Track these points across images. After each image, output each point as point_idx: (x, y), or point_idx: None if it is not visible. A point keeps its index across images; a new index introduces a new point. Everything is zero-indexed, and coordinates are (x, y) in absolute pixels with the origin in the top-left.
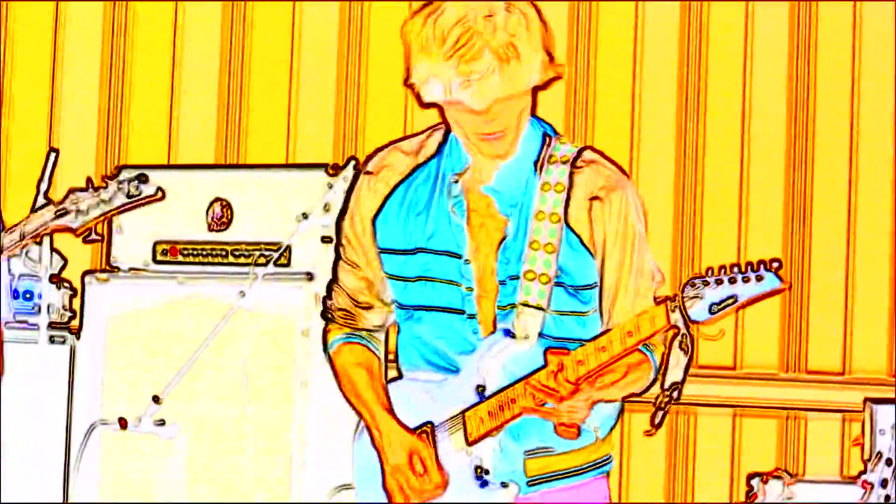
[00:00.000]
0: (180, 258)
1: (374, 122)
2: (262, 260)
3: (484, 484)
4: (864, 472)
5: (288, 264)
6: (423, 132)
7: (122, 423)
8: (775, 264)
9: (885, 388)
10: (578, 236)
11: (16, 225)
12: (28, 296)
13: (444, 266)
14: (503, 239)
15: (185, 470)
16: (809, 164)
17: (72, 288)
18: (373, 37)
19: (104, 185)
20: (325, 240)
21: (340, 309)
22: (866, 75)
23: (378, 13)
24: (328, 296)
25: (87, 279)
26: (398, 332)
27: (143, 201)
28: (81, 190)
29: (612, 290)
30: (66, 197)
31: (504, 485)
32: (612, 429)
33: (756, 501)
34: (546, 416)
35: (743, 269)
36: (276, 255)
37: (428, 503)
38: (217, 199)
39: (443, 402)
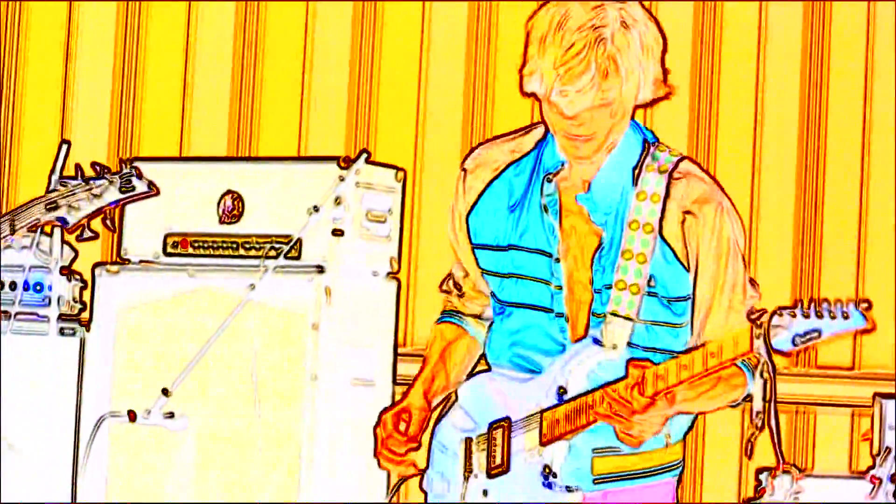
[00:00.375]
0: (191, 250)
1: (386, 115)
2: (273, 253)
3: (549, 486)
4: (873, 467)
5: (298, 257)
6: (521, 129)
7: (132, 415)
8: (864, 305)
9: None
10: (672, 249)
11: (5, 215)
12: (38, 288)
13: (535, 264)
14: (598, 247)
15: (194, 462)
16: (821, 162)
17: (82, 280)
18: (386, 31)
19: (95, 175)
20: (336, 233)
21: (445, 291)
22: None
23: (391, 8)
24: (445, 278)
25: (97, 271)
26: (489, 327)
27: (135, 197)
28: (71, 178)
29: (704, 304)
30: (54, 188)
31: (569, 489)
32: (685, 435)
33: (765, 496)
34: (617, 425)
35: (832, 305)
36: (286, 247)
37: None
38: (228, 192)
39: (520, 400)
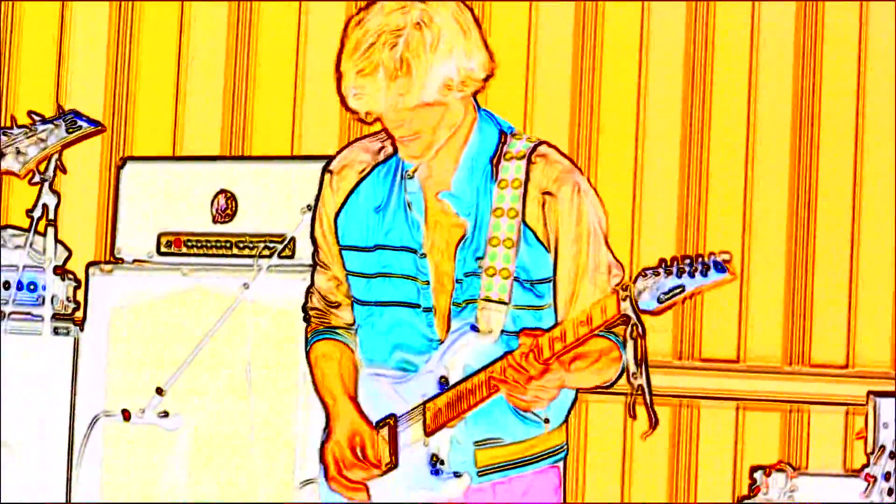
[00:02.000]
0: (184, 250)
1: None
2: (267, 252)
3: (437, 473)
4: (867, 465)
5: (292, 256)
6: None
7: (126, 414)
8: (725, 256)
9: (889, 381)
10: (533, 231)
11: None
12: (32, 287)
13: (402, 261)
14: (461, 238)
15: (188, 461)
16: (814, 160)
17: (76, 279)
18: None
19: (32, 121)
20: None
21: (314, 309)
22: (871, 77)
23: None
24: (306, 300)
25: (91, 270)
26: (356, 331)
27: (83, 134)
28: (8, 129)
29: (567, 284)
30: None
31: (457, 474)
32: (565, 419)
33: (759, 494)
34: (514, 392)
35: (693, 261)
36: (280, 247)
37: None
38: (222, 191)
39: (407, 395)
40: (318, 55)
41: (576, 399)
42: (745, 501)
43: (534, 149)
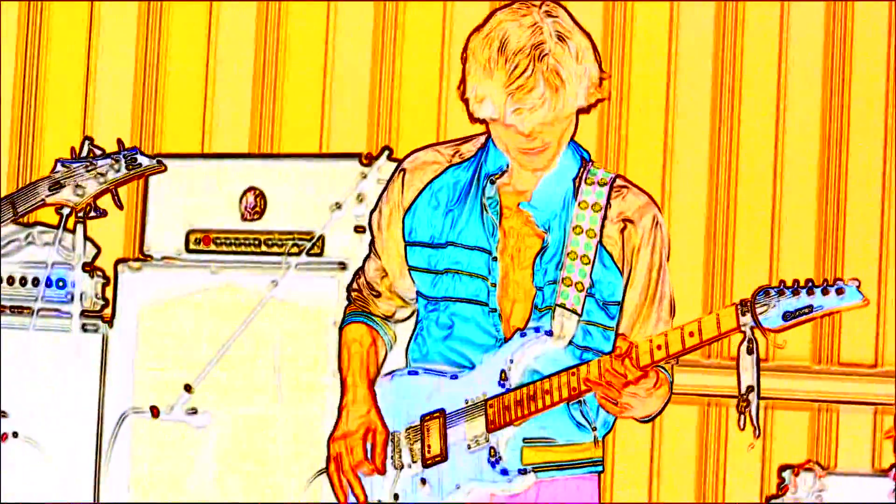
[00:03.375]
0: (213, 247)
1: (408, 112)
2: (295, 250)
3: (505, 472)
4: None
5: (321, 254)
6: (461, 138)
7: (154, 411)
8: (856, 282)
9: None
10: (610, 254)
11: (5, 197)
12: (61, 284)
13: (473, 260)
14: (541, 249)
15: (216, 458)
16: (843, 160)
17: (104, 276)
18: (408, 28)
19: (95, 156)
20: (359, 230)
21: (355, 290)
22: None
23: (413, 6)
24: (352, 278)
25: (119, 267)
26: (416, 324)
27: (143, 172)
28: (70, 161)
29: (630, 310)
30: (54, 168)
31: (523, 472)
32: (604, 436)
33: (787, 494)
34: (609, 393)
35: (818, 284)
36: (309, 244)
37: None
38: (250, 189)
39: (461, 390)
40: (347, 53)
41: (615, 421)
42: (774, 501)
43: (614, 179)
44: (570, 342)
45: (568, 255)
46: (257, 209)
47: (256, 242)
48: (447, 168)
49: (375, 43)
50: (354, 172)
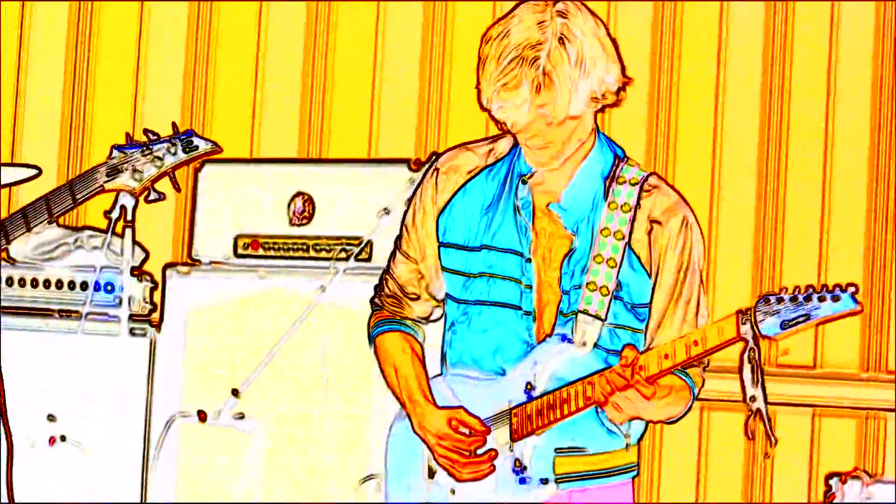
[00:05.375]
0: (261, 252)
1: (456, 117)
2: (343, 255)
3: (523, 480)
4: None
5: (369, 259)
6: (494, 136)
7: (202, 416)
8: (852, 288)
9: None
10: (638, 256)
11: (62, 186)
12: (109, 288)
13: (507, 263)
14: (569, 252)
15: (263, 464)
16: (891, 162)
17: (153, 281)
18: (457, 33)
19: (148, 139)
20: None
21: (389, 296)
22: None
23: (462, 10)
24: (379, 284)
25: (168, 272)
26: (449, 329)
27: (200, 155)
28: (126, 146)
29: (658, 313)
30: (110, 155)
31: (543, 481)
32: (639, 440)
33: (834, 502)
34: (619, 402)
35: (818, 290)
36: (357, 249)
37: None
38: (299, 194)
39: (488, 399)
40: (395, 57)
41: (647, 425)
42: None
43: (646, 178)
44: (598, 346)
45: (594, 258)
46: (306, 214)
47: (305, 247)
48: (482, 169)
49: (424, 49)
50: (403, 178)
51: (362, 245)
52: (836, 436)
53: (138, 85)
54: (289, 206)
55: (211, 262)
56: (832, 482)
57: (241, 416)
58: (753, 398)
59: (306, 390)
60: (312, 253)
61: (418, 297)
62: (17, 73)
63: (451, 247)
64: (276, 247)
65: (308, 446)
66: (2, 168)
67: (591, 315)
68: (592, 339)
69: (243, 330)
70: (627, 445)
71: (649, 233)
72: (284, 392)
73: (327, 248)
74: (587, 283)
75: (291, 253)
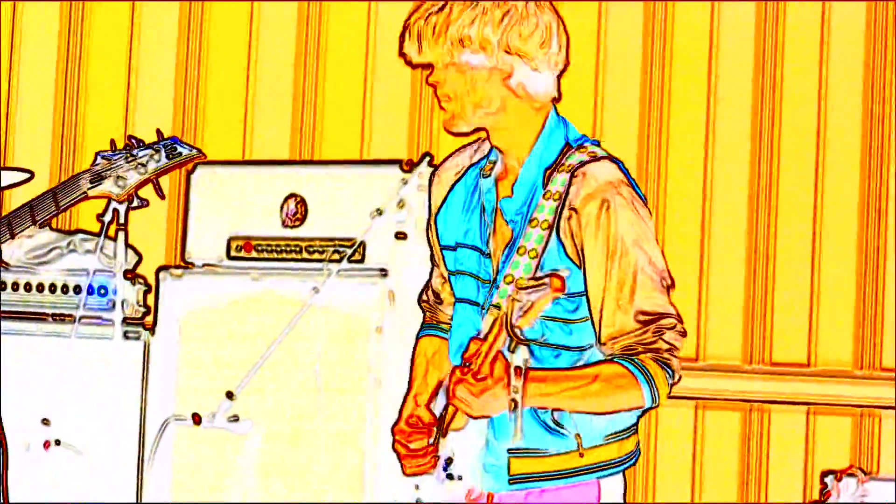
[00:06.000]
0: (254, 254)
1: None
2: (336, 256)
3: (448, 475)
4: None
5: (362, 260)
6: (485, 136)
7: (196, 418)
8: (563, 272)
9: None
10: (563, 245)
11: (45, 193)
12: (102, 291)
13: (470, 260)
14: (505, 246)
15: (258, 466)
16: (885, 161)
17: (146, 284)
18: None
19: (132, 145)
20: (399, 236)
21: (425, 301)
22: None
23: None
24: (422, 289)
25: (161, 275)
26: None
27: (184, 161)
28: (110, 153)
29: (595, 301)
30: (94, 161)
31: (457, 477)
32: (618, 437)
33: (829, 500)
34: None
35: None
36: (350, 251)
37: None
38: (292, 195)
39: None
40: (387, 58)
41: (639, 418)
42: None
43: (583, 164)
44: (529, 340)
45: (518, 250)
46: (298, 216)
47: (297, 249)
48: (468, 168)
49: None
50: (395, 179)
51: (355, 246)
52: (831, 433)
53: (130, 87)
54: (281, 207)
55: (204, 265)
56: (827, 480)
57: (236, 419)
58: (515, 388)
59: (300, 393)
60: (305, 255)
61: (443, 302)
62: (9, 74)
63: (445, 248)
64: (269, 249)
65: (302, 448)
66: None
67: (493, 305)
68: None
69: (237, 332)
70: (579, 445)
71: (568, 220)
72: (278, 394)
73: (320, 249)
74: (505, 276)
75: (284, 255)
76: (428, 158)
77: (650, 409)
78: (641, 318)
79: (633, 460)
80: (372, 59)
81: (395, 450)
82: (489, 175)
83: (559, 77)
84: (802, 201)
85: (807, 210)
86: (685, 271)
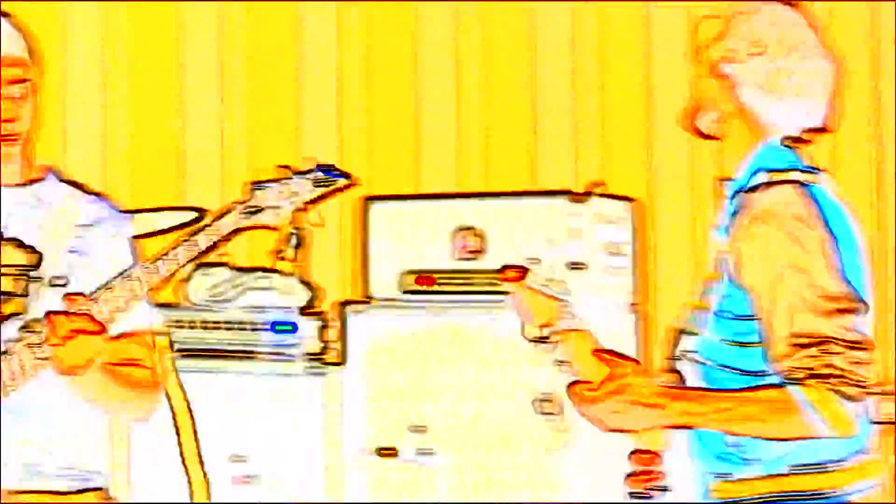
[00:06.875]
0: (435, 287)
1: (619, 145)
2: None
3: None
4: None
5: None
6: None
7: (385, 453)
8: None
9: None
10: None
11: (196, 233)
12: (283, 328)
13: None
14: None
15: (451, 499)
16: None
17: (326, 319)
18: (612, 60)
19: (287, 176)
20: (575, 266)
21: None
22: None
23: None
24: None
25: (342, 310)
26: None
27: (333, 190)
28: (262, 183)
29: (764, 325)
30: (248, 192)
31: None
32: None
33: None
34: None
35: None
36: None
37: None
38: (467, 228)
39: None
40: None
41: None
42: None
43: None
44: (707, 361)
45: None
46: (476, 248)
47: (476, 282)
48: None
49: (576, 76)
50: (566, 209)
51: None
52: None
53: (297, 119)
54: (456, 239)
55: (385, 299)
56: None
57: (426, 452)
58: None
59: (490, 425)
60: (486, 287)
61: None
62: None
63: None
64: (449, 281)
65: (494, 481)
66: (161, 212)
67: None
68: None
69: (422, 364)
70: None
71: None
72: (467, 427)
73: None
74: None
75: (463, 287)
76: (598, 188)
77: (834, 437)
78: (794, 341)
79: (851, 494)
80: (539, 87)
81: None
82: None
83: None
84: None
85: None
86: None
